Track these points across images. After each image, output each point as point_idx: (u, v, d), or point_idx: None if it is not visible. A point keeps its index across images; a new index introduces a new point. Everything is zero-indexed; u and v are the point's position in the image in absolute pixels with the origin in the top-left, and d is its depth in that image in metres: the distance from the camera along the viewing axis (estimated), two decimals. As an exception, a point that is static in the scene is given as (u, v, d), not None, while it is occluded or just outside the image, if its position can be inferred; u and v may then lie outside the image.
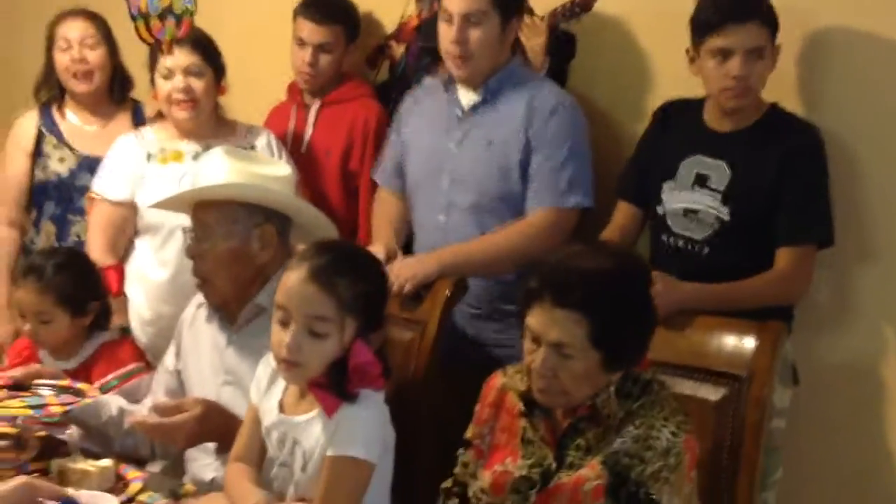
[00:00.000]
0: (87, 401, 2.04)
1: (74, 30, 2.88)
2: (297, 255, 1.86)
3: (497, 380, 1.90)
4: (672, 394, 1.78)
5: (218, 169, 2.13)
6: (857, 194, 2.43)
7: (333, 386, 1.76)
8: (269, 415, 1.87)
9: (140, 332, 2.63)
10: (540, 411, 1.79)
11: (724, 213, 2.29)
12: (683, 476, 1.69)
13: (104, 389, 2.22)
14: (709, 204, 2.31)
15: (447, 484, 1.94)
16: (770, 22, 2.28)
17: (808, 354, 2.44)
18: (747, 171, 2.29)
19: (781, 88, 2.42)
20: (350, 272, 1.79)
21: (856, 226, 2.43)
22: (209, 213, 2.10)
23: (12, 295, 2.50)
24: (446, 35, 2.45)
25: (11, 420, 1.91)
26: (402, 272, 2.30)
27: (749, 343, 1.99)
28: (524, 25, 2.62)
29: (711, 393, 1.99)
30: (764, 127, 2.31)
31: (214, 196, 2.11)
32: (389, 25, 3.00)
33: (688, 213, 2.34)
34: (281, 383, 1.88)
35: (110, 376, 2.26)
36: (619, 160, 2.60)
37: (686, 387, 1.99)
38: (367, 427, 1.76)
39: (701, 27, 2.30)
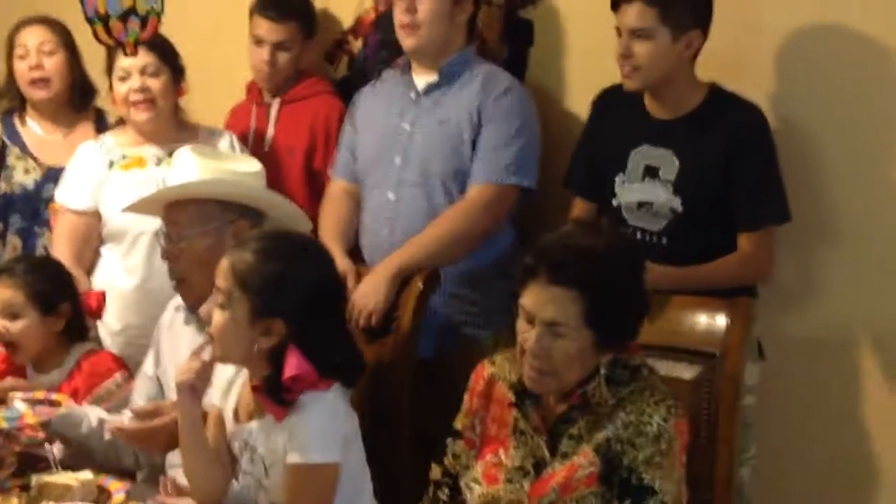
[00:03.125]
0: (63, 410, 2.03)
1: (32, 36, 2.84)
2: None
3: (485, 369, 1.90)
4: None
5: (189, 167, 2.12)
6: (815, 172, 2.46)
7: (272, 396, 1.75)
8: (228, 423, 1.86)
9: (109, 342, 2.60)
10: (531, 401, 1.80)
11: (677, 203, 2.30)
12: (675, 460, 1.72)
13: (96, 402, 2.21)
14: (661, 195, 2.32)
15: (436, 474, 1.94)
16: (662, 4, 2.25)
17: (775, 332, 2.47)
18: (695, 160, 2.30)
19: (734, 69, 2.44)
20: (260, 252, 1.78)
21: (816, 203, 2.46)
22: (183, 212, 2.10)
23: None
24: (399, 7, 2.49)
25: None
26: (362, 304, 2.30)
27: (720, 320, 2.03)
28: (482, 14, 2.63)
29: (686, 371, 2.03)
30: (705, 112, 2.32)
31: (189, 194, 2.10)
32: (346, 20, 2.99)
33: (642, 205, 2.35)
34: (235, 391, 1.87)
35: (99, 389, 2.25)
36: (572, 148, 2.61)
37: (661, 366, 2.00)
38: (320, 430, 1.75)
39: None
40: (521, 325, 1.77)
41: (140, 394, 2.21)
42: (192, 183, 2.10)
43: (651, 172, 2.34)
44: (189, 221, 2.09)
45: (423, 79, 2.55)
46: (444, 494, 1.91)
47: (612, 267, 1.74)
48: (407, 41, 2.50)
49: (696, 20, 2.28)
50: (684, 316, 2.08)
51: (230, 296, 1.76)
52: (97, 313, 2.40)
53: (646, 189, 2.34)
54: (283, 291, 1.77)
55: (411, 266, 2.35)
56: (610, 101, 2.47)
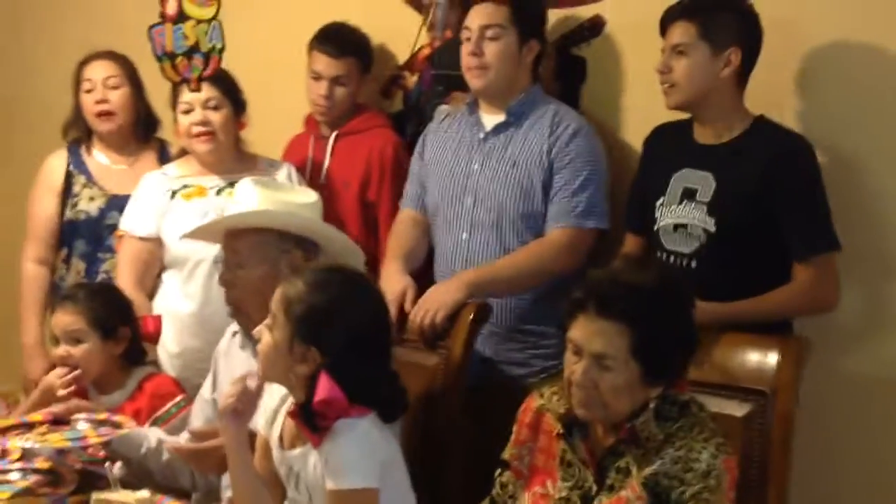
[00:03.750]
0: (125, 431, 2.09)
1: (98, 71, 2.94)
2: None
3: (534, 401, 1.92)
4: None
5: (249, 197, 2.18)
6: (873, 202, 2.42)
7: (306, 422, 1.78)
8: (275, 450, 1.90)
9: (167, 366, 2.66)
10: (579, 433, 1.81)
11: (710, 224, 2.29)
12: (723, 497, 1.72)
13: (156, 423, 2.28)
14: (696, 216, 2.31)
15: (485, 505, 1.96)
16: (702, 18, 2.27)
17: (834, 371, 2.43)
18: (731, 181, 2.28)
19: (787, 101, 2.44)
20: (312, 283, 1.84)
21: (875, 235, 2.42)
22: (241, 240, 2.16)
23: (45, 331, 2.57)
24: (466, 49, 2.53)
25: (53, 455, 1.95)
26: (429, 303, 2.33)
27: (772, 358, 2.02)
28: None
29: (737, 409, 2.02)
30: (749, 138, 2.32)
31: (248, 223, 2.16)
32: (401, 56, 3.04)
33: (678, 227, 2.34)
34: (280, 419, 1.91)
35: (160, 411, 2.32)
36: (628, 184, 2.61)
37: (712, 403, 1.99)
38: (353, 456, 1.77)
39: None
40: (568, 357, 1.79)
41: (198, 416, 2.26)
42: (251, 212, 2.16)
43: (689, 195, 2.33)
44: (247, 250, 2.14)
45: (491, 118, 2.58)
46: (492, 524, 1.93)
47: (660, 302, 1.76)
48: (474, 82, 2.54)
49: (738, 38, 2.29)
50: (735, 353, 2.07)
51: (276, 319, 1.83)
52: (154, 337, 2.48)
53: (683, 211, 2.34)
54: (323, 323, 1.81)
55: (483, 285, 2.38)
56: (659, 137, 2.49)
